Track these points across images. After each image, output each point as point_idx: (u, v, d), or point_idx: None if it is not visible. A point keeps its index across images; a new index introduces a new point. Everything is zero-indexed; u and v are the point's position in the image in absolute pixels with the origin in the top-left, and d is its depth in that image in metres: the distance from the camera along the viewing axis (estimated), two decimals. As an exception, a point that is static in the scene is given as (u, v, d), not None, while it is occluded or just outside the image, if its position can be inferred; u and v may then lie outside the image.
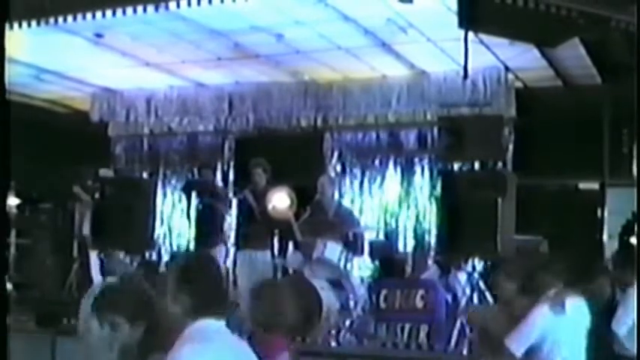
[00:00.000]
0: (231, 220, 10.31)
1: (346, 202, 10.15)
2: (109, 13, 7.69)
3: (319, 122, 10.66)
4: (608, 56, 8.70)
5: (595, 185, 9.70)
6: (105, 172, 9.84)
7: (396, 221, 10.29)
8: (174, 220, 11.48)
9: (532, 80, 9.83)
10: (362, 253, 9.15)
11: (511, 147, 9.57)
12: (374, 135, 10.60)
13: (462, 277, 8.11)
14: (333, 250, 8.67)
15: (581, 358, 4.73)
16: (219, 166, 11.18)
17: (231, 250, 10.07)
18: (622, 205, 8.63)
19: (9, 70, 5.01)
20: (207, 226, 9.77)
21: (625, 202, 8.23)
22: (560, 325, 4.67)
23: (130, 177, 11.19)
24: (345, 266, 8.90)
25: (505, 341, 4.59)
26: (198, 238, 9.88)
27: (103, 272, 8.58)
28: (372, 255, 9.45)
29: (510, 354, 4.56)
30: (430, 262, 9.60)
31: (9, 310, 6.14)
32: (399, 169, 10.42)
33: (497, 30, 7.50)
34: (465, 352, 7.22)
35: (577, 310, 4.80)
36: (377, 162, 10.54)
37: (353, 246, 8.91)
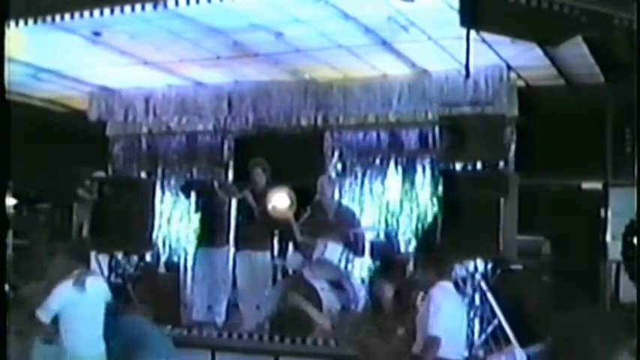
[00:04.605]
0: (230, 220, 10.23)
1: (347, 202, 10.08)
2: (106, 11, 7.65)
3: (319, 121, 10.56)
4: (611, 55, 8.63)
5: (598, 185, 9.63)
6: (99, 175, 9.75)
7: (397, 221, 10.22)
8: (173, 220, 11.40)
9: (534, 79, 9.74)
10: (363, 253, 9.10)
11: (513, 146, 9.47)
12: (375, 134, 10.51)
13: (464, 277, 8.04)
14: (333, 251, 8.64)
15: None
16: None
17: (231, 251, 9.99)
18: (625, 206, 8.56)
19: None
20: (213, 226, 9.70)
21: (629, 202, 8.14)
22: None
23: (128, 177, 11.12)
24: (345, 267, 8.86)
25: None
26: (205, 239, 9.80)
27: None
28: (372, 255, 9.39)
29: None
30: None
31: (8, 311, 6.08)
32: (400, 169, 10.33)
33: (499, 28, 7.43)
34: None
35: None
36: (378, 162, 10.46)
37: (354, 246, 8.87)
